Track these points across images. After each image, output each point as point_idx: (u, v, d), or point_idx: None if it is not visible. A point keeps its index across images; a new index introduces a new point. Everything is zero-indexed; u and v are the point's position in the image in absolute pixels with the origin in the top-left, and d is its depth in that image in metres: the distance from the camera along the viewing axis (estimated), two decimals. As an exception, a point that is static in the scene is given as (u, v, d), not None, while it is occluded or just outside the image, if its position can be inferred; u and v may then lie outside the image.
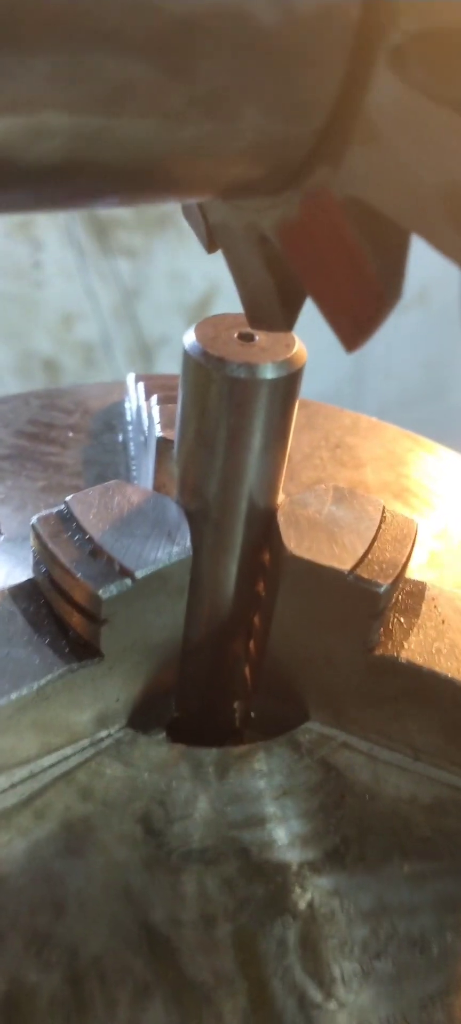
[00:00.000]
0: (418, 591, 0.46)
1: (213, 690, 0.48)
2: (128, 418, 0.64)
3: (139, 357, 2.60)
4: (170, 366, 2.61)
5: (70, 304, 2.63)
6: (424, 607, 0.45)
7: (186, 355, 0.41)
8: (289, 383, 0.41)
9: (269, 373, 0.40)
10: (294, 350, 0.41)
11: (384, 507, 0.46)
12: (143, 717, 0.46)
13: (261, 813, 0.42)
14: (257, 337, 0.41)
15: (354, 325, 0.33)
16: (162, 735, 0.47)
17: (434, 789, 0.44)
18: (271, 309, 0.35)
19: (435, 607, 0.45)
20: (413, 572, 0.51)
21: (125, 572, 0.40)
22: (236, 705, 0.49)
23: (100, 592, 0.40)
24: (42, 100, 0.22)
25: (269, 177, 0.30)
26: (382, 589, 0.42)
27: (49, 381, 2.63)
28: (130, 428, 0.63)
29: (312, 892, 0.39)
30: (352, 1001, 0.35)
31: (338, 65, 0.27)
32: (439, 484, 0.61)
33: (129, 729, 0.45)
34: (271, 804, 0.42)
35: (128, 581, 0.40)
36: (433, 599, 0.45)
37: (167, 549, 0.42)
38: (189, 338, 0.41)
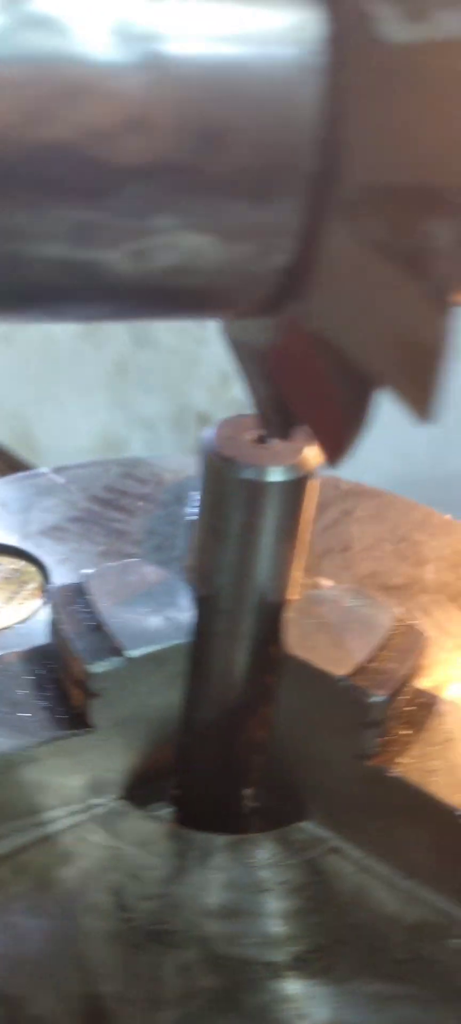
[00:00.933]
0: (428, 704, 0.44)
1: (221, 776, 0.49)
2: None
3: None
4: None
5: (228, 363, 2.69)
6: (430, 722, 0.44)
7: (203, 451, 0.42)
8: (296, 486, 0.41)
9: (276, 476, 0.40)
10: (303, 456, 0.41)
11: (398, 616, 0.45)
12: (142, 792, 0.46)
13: (236, 906, 0.42)
14: (273, 441, 0.42)
15: (331, 444, 0.33)
16: (166, 811, 0.48)
17: (420, 911, 0.42)
18: (270, 418, 0.36)
19: (442, 724, 0.44)
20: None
21: (117, 649, 0.42)
22: (245, 794, 0.49)
23: (90, 667, 0.41)
24: None
25: (253, 305, 0.31)
26: (375, 700, 0.41)
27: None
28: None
29: (267, 995, 0.38)
30: None
31: (295, 212, 0.27)
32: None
33: (124, 801, 0.46)
34: (248, 898, 0.42)
35: (119, 659, 0.41)
36: (442, 715, 0.44)
37: (163, 635, 0.43)
38: (208, 435, 0.42)
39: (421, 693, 0.45)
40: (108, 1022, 0.37)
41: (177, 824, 0.48)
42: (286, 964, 0.40)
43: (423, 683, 0.50)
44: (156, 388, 2.79)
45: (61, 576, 0.57)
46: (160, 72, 0.25)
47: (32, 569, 0.60)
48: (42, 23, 0.22)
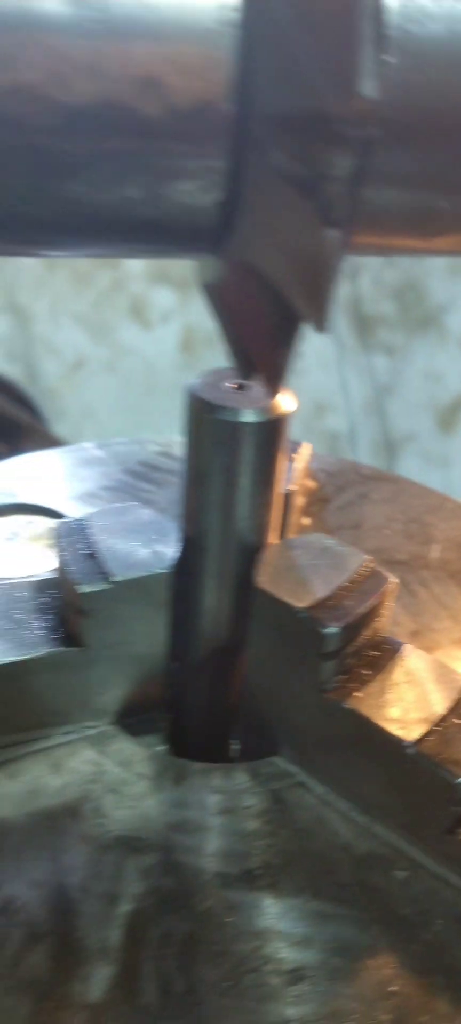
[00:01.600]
0: (392, 649, 0.47)
1: (208, 711, 0.52)
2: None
3: (383, 451, 2.63)
4: (414, 463, 2.61)
5: (323, 394, 2.73)
6: (392, 664, 0.46)
7: (187, 396, 0.46)
8: (269, 429, 0.44)
9: (249, 417, 0.44)
10: (276, 400, 0.44)
11: (370, 563, 0.47)
12: (133, 721, 0.50)
13: (198, 822, 0.45)
14: (251, 389, 0.45)
15: (267, 372, 0.37)
16: (157, 742, 0.52)
17: (370, 843, 0.44)
18: (234, 358, 0.39)
19: (404, 667, 0.46)
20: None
21: (105, 574, 0.46)
22: (230, 730, 0.52)
23: (80, 588, 0.45)
24: None
25: (200, 240, 0.35)
26: (329, 631, 0.43)
27: (295, 463, 2.73)
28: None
29: (213, 901, 0.41)
30: (208, 1008, 0.37)
31: (221, 149, 0.31)
32: None
33: (115, 727, 0.49)
34: (211, 817, 0.45)
35: (106, 582, 0.45)
36: (405, 658, 0.46)
37: (149, 563, 0.46)
38: (193, 382, 0.46)
39: (387, 639, 0.47)
40: (71, 909, 0.41)
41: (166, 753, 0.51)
42: (236, 876, 0.43)
43: (411, 643, 0.52)
44: (250, 415, 2.83)
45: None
46: (107, 28, 0.29)
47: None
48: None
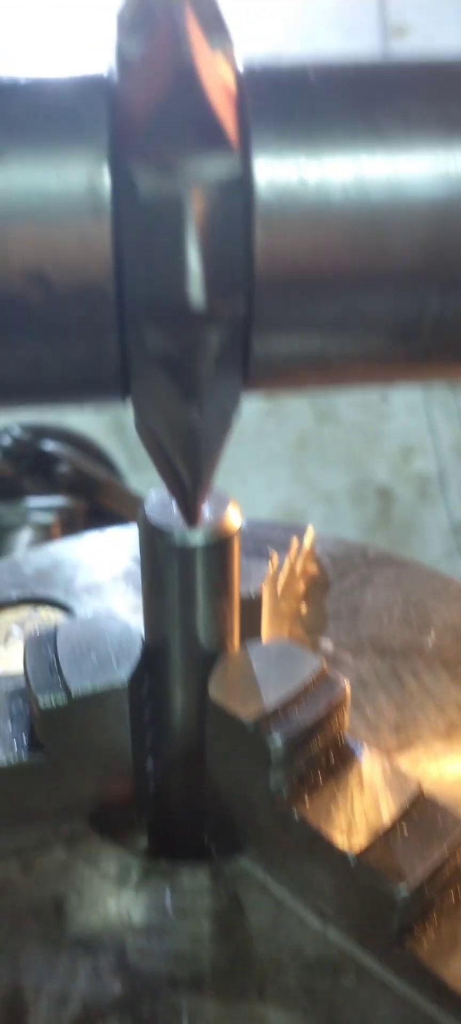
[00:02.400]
0: (350, 753, 0.48)
1: (185, 808, 0.54)
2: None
3: (474, 493, 2.59)
4: None
5: (411, 437, 2.71)
6: (346, 770, 0.47)
7: (140, 517, 0.48)
8: (219, 548, 0.47)
9: (197, 541, 0.46)
10: (222, 519, 0.47)
11: (323, 670, 0.49)
12: (106, 820, 0.53)
13: (155, 924, 0.47)
14: (206, 512, 0.48)
15: (182, 509, 0.39)
16: (134, 837, 0.54)
17: (321, 949, 0.45)
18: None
19: (358, 772, 0.47)
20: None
21: (64, 687, 0.49)
22: (202, 825, 0.54)
23: (41, 701, 0.49)
24: None
25: (108, 395, 0.38)
26: (275, 743, 0.45)
27: (381, 509, 2.71)
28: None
29: (159, 1005, 0.43)
30: None
31: (106, 329, 0.34)
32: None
33: (88, 825, 0.52)
34: (168, 919, 0.47)
35: (63, 696, 0.48)
36: (360, 764, 0.47)
37: (107, 676, 0.49)
38: (147, 500, 0.49)
39: (345, 742, 0.48)
40: (23, 1008, 0.44)
41: (149, 854, 0.54)
42: (184, 980, 0.44)
43: (392, 737, 0.53)
44: (336, 462, 2.84)
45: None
46: None
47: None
48: None
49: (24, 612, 0.68)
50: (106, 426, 2.70)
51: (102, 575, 0.71)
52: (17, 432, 2.02)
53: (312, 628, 0.64)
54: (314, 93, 0.33)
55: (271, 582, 0.57)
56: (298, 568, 0.66)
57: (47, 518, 1.83)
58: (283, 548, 0.64)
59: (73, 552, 0.75)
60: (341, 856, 0.44)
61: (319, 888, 0.46)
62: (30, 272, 0.32)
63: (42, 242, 0.32)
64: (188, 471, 0.34)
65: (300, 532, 0.69)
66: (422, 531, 2.70)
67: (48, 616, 0.68)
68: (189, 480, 0.34)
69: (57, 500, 1.92)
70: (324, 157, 0.33)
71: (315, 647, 0.63)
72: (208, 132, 0.29)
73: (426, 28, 2.70)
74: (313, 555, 0.70)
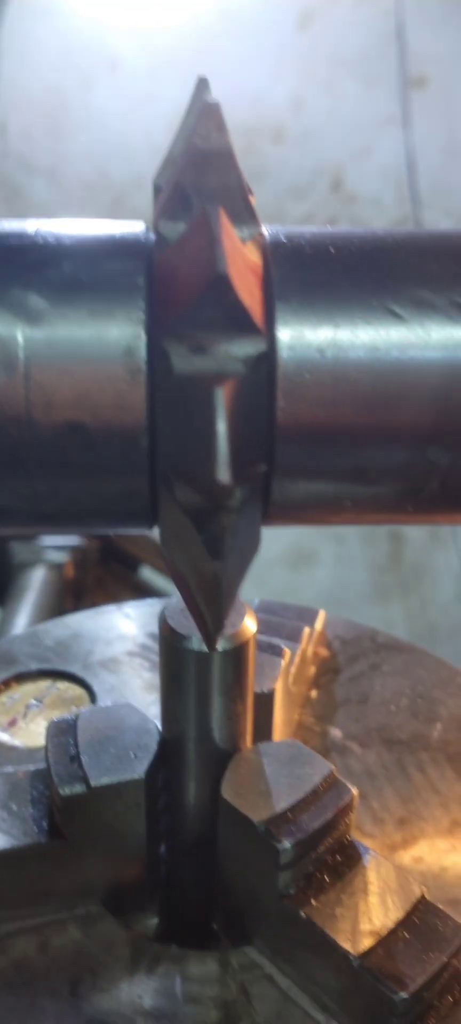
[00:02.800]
0: (355, 856, 0.51)
1: (195, 897, 0.57)
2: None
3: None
4: None
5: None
6: (353, 873, 0.50)
7: (160, 621, 0.52)
8: (234, 654, 0.50)
9: (217, 647, 0.49)
10: (239, 627, 0.50)
11: (333, 774, 0.51)
12: (119, 901, 0.55)
13: (164, 1010, 0.50)
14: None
15: (203, 635, 0.42)
16: (146, 921, 0.57)
17: (323, 1045, 0.48)
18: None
19: (364, 876, 0.50)
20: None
21: (83, 778, 0.52)
22: (213, 915, 0.57)
23: (61, 790, 0.51)
24: None
25: (138, 525, 0.41)
26: (283, 847, 0.48)
27: (393, 550, 2.74)
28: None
29: None
30: None
31: (140, 473, 0.38)
32: None
33: (103, 908, 0.55)
34: (178, 1005, 0.50)
35: (82, 786, 0.51)
36: (365, 867, 0.50)
37: (125, 769, 0.52)
38: (166, 607, 0.52)
39: (352, 845, 0.51)
40: None
41: (160, 936, 0.57)
42: (192, 1068, 0.47)
43: (397, 832, 0.56)
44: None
45: (106, 702, 0.68)
46: (28, 373, 0.36)
47: (85, 695, 0.71)
48: None
49: (43, 684, 0.71)
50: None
51: (118, 650, 0.74)
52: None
53: (322, 715, 0.67)
54: (333, 270, 0.37)
55: (283, 676, 0.60)
56: (310, 652, 0.69)
57: (61, 557, 1.86)
58: (294, 637, 0.66)
59: (91, 624, 0.78)
60: (345, 957, 0.47)
61: (323, 983, 0.49)
62: (70, 423, 0.36)
63: (82, 398, 0.36)
64: (209, 613, 0.37)
65: (311, 615, 0.72)
66: (433, 573, 2.72)
67: (66, 689, 0.71)
68: (211, 620, 0.37)
69: (71, 539, 1.95)
70: (341, 332, 0.36)
71: (324, 735, 0.65)
72: (239, 323, 0.32)
73: (445, 80, 2.74)
74: (324, 639, 0.73)
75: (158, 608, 0.78)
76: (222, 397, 0.32)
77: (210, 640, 0.41)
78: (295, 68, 2.84)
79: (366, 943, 0.47)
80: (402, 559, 2.88)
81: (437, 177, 2.75)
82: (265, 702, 0.57)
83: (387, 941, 0.47)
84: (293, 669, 0.64)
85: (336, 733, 0.65)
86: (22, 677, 0.72)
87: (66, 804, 0.51)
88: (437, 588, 2.85)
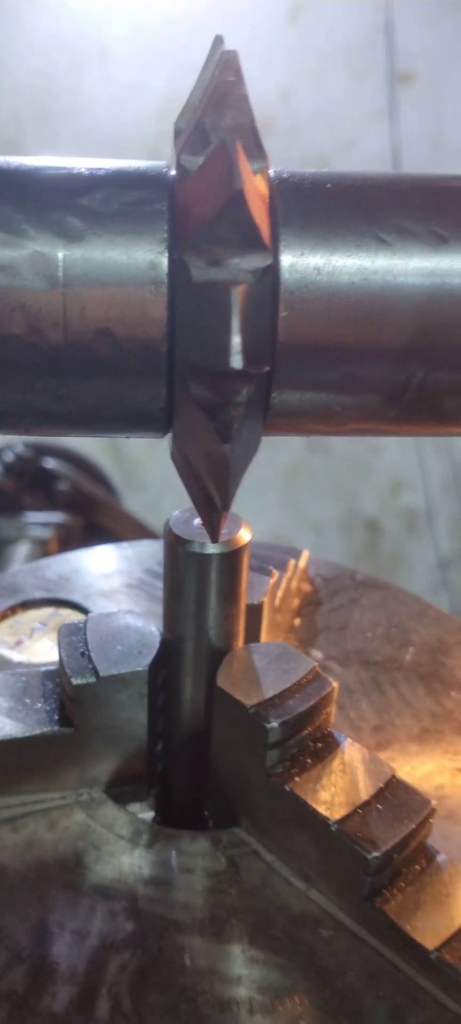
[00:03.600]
0: (335, 743, 0.57)
1: (188, 787, 0.63)
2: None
3: (461, 531, 2.70)
4: (493, 546, 2.67)
5: (401, 472, 2.82)
6: (332, 756, 0.57)
7: (164, 530, 0.58)
8: (230, 558, 0.56)
9: (213, 550, 0.56)
10: (236, 534, 0.56)
11: (316, 669, 0.58)
12: (120, 791, 0.62)
13: (162, 878, 0.56)
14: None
15: (206, 528, 0.49)
16: (144, 809, 0.63)
17: (305, 905, 0.55)
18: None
19: (341, 758, 0.56)
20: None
21: (93, 670, 0.58)
22: (204, 800, 0.63)
23: (73, 680, 0.58)
24: None
25: (152, 429, 0.48)
26: (272, 726, 0.55)
27: (369, 540, 2.82)
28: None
29: (164, 943, 0.53)
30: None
31: (159, 376, 0.44)
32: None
33: (105, 795, 0.61)
34: (174, 874, 0.56)
35: (93, 677, 0.58)
36: (343, 751, 0.57)
37: (130, 662, 0.59)
38: (170, 519, 0.58)
39: (331, 734, 0.58)
40: (49, 940, 0.53)
41: (156, 820, 0.63)
42: (187, 924, 0.54)
43: (372, 738, 0.63)
44: (327, 492, 2.95)
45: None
46: (67, 285, 0.42)
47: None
48: None
49: (47, 611, 0.78)
50: (103, 447, 2.80)
51: (117, 583, 0.81)
52: (19, 449, 2.11)
53: (304, 639, 0.73)
54: (330, 202, 0.43)
55: (271, 594, 0.66)
56: (294, 585, 0.76)
57: (45, 533, 1.93)
58: (281, 568, 0.73)
59: (91, 560, 0.84)
60: (324, 824, 0.53)
61: (304, 854, 0.55)
62: (101, 329, 0.42)
63: (111, 307, 0.42)
64: (218, 493, 0.44)
65: (296, 555, 0.79)
66: (409, 564, 2.80)
67: (68, 615, 0.77)
68: (219, 499, 0.44)
69: (55, 516, 2.02)
70: (334, 255, 0.43)
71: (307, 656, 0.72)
72: (251, 240, 0.39)
73: (432, 76, 2.82)
74: (307, 575, 0.80)
75: (155, 548, 0.85)
76: (236, 296, 0.39)
77: (215, 526, 0.48)
78: (285, 60, 2.91)
79: (343, 811, 0.53)
80: (379, 549, 2.96)
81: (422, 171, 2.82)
82: (255, 613, 0.64)
83: (361, 811, 0.54)
84: (279, 593, 0.71)
85: (317, 654, 0.72)
86: (27, 604, 0.79)
87: (77, 693, 0.58)
88: (412, 578, 2.93)
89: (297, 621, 0.75)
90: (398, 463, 2.80)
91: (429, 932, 0.51)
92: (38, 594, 0.79)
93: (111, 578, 0.82)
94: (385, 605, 0.78)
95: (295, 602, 0.76)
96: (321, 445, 2.89)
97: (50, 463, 2.15)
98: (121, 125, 3.06)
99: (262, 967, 0.52)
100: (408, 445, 2.77)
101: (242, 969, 0.52)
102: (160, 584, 0.76)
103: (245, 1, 2.99)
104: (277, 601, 0.70)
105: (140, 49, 3.06)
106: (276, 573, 0.67)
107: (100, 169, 0.44)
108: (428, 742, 0.65)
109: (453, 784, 0.62)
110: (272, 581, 0.66)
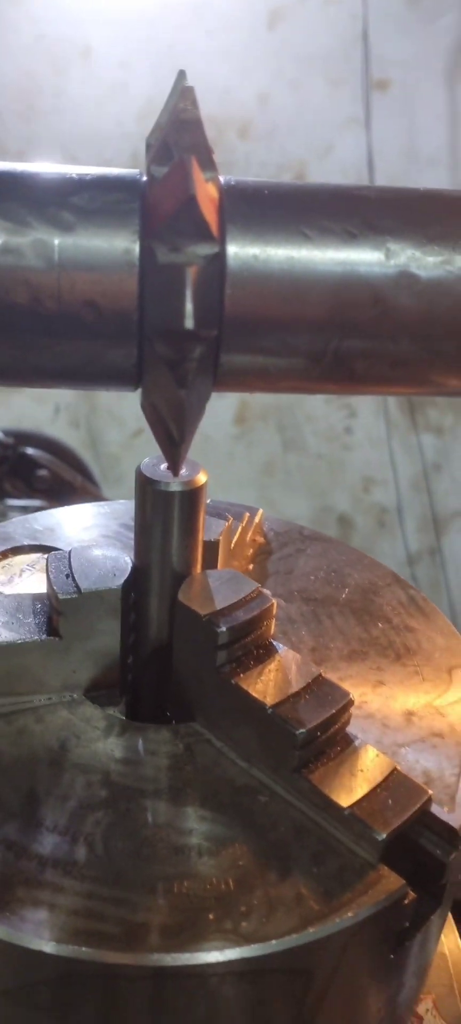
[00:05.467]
0: (273, 650, 0.72)
1: (154, 692, 0.77)
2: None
3: (430, 525, 2.85)
4: (460, 539, 2.82)
5: (373, 469, 2.98)
6: (270, 659, 0.71)
7: (136, 474, 0.72)
8: (190, 495, 0.71)
9: (175, 487, 0.70)
10: (195, 477, 0.71)
11: (259, 589, 0.72)
12: (97, 695, 0.76)
13: (130, 758, 0.70)
14: (184, 470, 0.71)
15: (168, 462, 0.63)
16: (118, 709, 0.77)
17: (246, 779, 0.68)
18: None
19: (277, 660, 0.71)
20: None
21: (75, 586, 0.72)
22: (167, 702, 0.77)
23: (59, 595, 0.72)
24: None
25: (125, 382, 0.62)
26: (221, 630, 0.69)
27: (341, 535, 2.97)
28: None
29: (131, 805, 0.66)
30: (116, 863, 0.62)
31: (131, 334, 0.58)
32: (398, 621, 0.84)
33: (84, 697, 0.75)
34: (140, 756, 0.70)
35: (75, 591, 0.72)
36: (277, 655, 0.71)
37: (106, 582, 0.73)
38: (141, 464, 0.72)
39: (270, 643, 0.72)
40: (37, 802, 0.67)
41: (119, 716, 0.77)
42: (149, 791, 0.68)
43: (308, 656, 0.77)
44: (300, 489, 3.10)
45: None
46: (61, 265, 0.56)
47: (67, 563, 0.91)
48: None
49: (35, 556, 0.91)
50: (82, 442, 2.93)
51: (96, 533, 0.95)
52: (0, 436, 2.25)
53: (256, 580, 0.87)
54: (266, 205, 0.58)
55: (226, 535, 0.80)
56: (249, 537, 0.90)
57: (25, 518, 2.06)
58: (238, 515, 0.87)
59: (73, 516, 0.98)
60: (261, 709, 0.67)
61: (246, 738, 0.69)
62: (87, 301, 0.56)
63: (95, 283, 0.56)
64: (177, 430, 0.58)
65: (252, 510, 0.93)
66: (379, 558, 2.95)
67: (52, 558, 0.91)
68: (178, 436, 0.58)
69: (35, 503, 2.16)
70: (268, 246, 0.57)
71: (257, 594, 0.86)
72: (201, 232, 0.53)
73: (406, 85, 2.98)
74: (261, 530, 0.94)
75: (129, 506, 0.99)
76: (190, 275, 0.53)
77: (175, 462, 0.62)
78: (263, 65, 3.06)
79: (277, 699, 0.67)
80: (350, 544, 3.11)
81: (394, 177, 2.99)
82: (211, 549, 0.78)
83: (292, 699, 0.68)
84: (235, 538, 0.85)
85: (265, 593, 0.86)
86: (17, 550, 0.92)
87: (62, 606, 0.72)
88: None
89: (250, 567, 0.89)
90: (370, 462, 2.95)
91: (344, 794, 0.65)
92: (27, 542, 0.93)
93: (90, 530, 0.96)
94: (326, 555, 0.92)
95: (249, 551, 0.90)
96: (296, 442, 3.05)
97: (30, 450, 2.29)
98: (103, 125, 3.20)
99: (210, 823, 0.66)
100: (380, 443, 2.93)
101: (194, 824, 0.65)
102: (133, 536, 0.90)
103: (225, 6, 3.14)
104: (232, 545, 0.84)
105: (122, 50, 3.21)
106: (231, 518, 0.81)
107: (87, 175, 0.58)
108: (355, 661, 0.79)
109: (374, 692, 0.77)
110: (227, 524, 0.80)
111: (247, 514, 0.88)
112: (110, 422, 2.93)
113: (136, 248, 0.55)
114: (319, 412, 2.85)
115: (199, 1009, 0.60)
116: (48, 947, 0.58)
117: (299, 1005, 0.63)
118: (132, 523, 0.93)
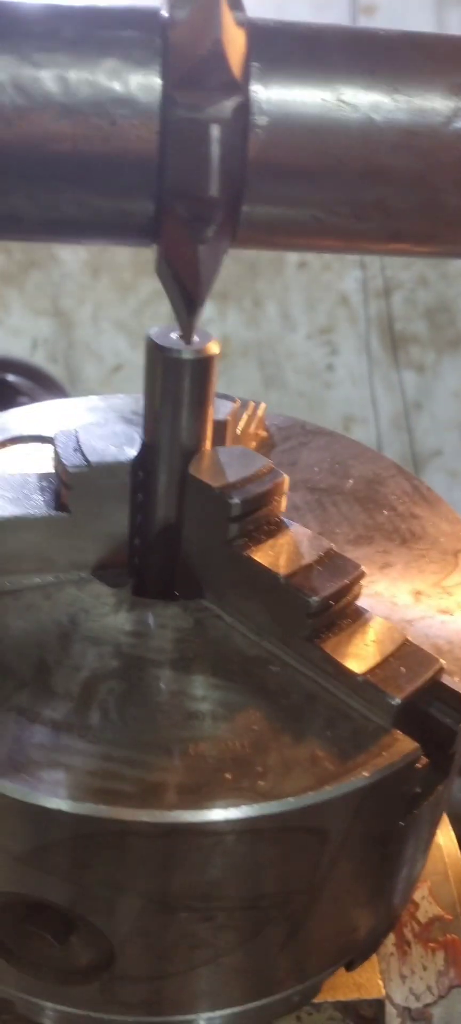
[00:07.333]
0: (285, 526, 0.72)
1: (162, 570, 0.77)
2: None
3: (410, 465, 2.86)
4: (439, 478, 2.84)
5: (353, 408, 2.98)
6: (281, 534, 0.71)
7: (146, 341, 0.71)
8: (202, 364, 0.70)
9: (187, 355, 0.69)
10: (206, 345, 0.70)
11: (270, 464, 0.72)
12: (103, 578, 0.75)
13: (140, 631, 0.70)
14: (195, 338, 0.71)
15: (184, 320, 0.62)
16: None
17: (257, 651, 0.69)
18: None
19: (289, 535, 0.71)
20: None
21: (85, 460, 0.71)
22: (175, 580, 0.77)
23: (68, 468, 0.71)
24: None
25: (143, 237, 0.61)
26: (234, 501, 0.69)
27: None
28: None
29: (143, 674, 0.66)
30: (130, 728, 0.62)
31: (150, 189, 0.57)
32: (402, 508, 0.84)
33: (92, 576, 0.75)
34: (150, 629, 0.70)
35: (85, 464, 0.71)
36: (288, 530, 0.71)
37: (116, 455, 0.72)
38: (151, 332, 0.71)
39: (281, 519, 0.72)
40: (49, 672, 0.66)
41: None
42: (161, 661, 0.68)
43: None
44: (281, 424, 3.10)
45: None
46: (78, 114, 0.55)
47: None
48: None
49: (35, 446, 0.91)
50: (60, 376, 2.91)
51: (94, 419, 0.94)
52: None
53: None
54: (290, 51, 0.57)
55: (233, 417, 0.80)
56: (252, 428, 0.90)
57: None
58: (243, 410, 0.87)
59: (71, 409, 0.97)
60: (274, 579, 0.67)
61: (256, 611, 0.69)
62: (103, 146, 0.55)
63: (112, 128, 0.55)
64: (194, 288, 0.57)
65: (257, 404, 0.93)
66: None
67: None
68: (194, 293, 0.57)
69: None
70: (295, 93, 0.56)
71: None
72: (228, 86, 0.52)
73: (392, 10, 2.95)
74: (264, 424, 0.94)
75: (128, 400, 0.98)
76: (215, 136, 0.52)
77: (188, 326, 0.61)
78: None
79: (289, 569, 0.68)
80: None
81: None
82: (220, 429, 0.77)
83: (305, 569, 0.68)
84: (241, 425, 0.85)
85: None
86: (17, 440, 0.92)
87: (71, 479, 0.71)
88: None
89: (254, 458, 0.89)
90: (351, 399, 2.95)
91: (357, 662, 0.65)
92: (27, 433, 0.92)
93: (87, 417, 0.95)
94: (329, 448, 0.92)
95: (252, 444, 0.90)
96: (277, 379, 3.04)
97: (11, 378, 2.27)
98: None
99: (223, 691, 0.66)
100: (362, 382, 2.93)
101: (206, 691, 0.66)
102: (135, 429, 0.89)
103: None
104: (239, 429, 0.84)
105: None
106: (239, 400, 0.81)
107: (103, 6, 0.56)
108: (361, 545, 0.80)
109: (381, 574, 0.77)
110: (235, 405, 0.80)
111: (252, 403, 0.88)
112: (89, 357, 2.91)
113: (157, 93, 0.54)
114: (300, 349, 2.84)
115: (214, 869, 0.60)
116: (65, 805, 0.58)
117: (312, 868, 0.63)
118: (131, 417, 0.93)
